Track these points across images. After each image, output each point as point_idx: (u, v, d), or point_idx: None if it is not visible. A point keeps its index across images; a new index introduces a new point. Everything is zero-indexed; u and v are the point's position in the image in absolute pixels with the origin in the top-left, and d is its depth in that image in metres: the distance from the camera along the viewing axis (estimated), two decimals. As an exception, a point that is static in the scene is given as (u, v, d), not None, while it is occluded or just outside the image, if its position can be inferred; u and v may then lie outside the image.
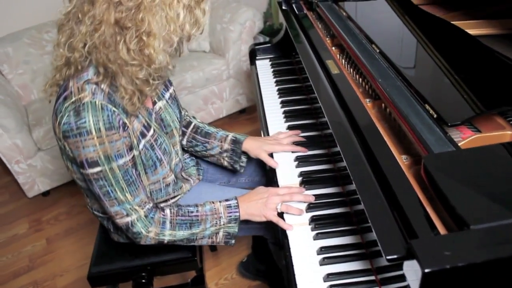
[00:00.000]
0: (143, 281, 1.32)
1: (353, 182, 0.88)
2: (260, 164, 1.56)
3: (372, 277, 0.94)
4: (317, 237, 1.05)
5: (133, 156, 1.06)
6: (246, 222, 1.21)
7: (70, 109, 0.95)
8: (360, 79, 1.27)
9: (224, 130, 1.43)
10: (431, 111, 0.93)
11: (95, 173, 1.00)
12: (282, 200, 1.14)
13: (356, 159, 0.92)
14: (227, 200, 1.18)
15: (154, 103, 1.20)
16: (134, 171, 1.05)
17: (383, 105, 1.13)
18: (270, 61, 1.92)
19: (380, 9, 1.53)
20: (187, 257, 1.36)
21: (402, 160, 0.93)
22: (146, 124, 1.11)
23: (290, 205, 1.13)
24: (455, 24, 1.30)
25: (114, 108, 0.98)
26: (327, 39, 1.54)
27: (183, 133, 1.43)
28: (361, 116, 1.05)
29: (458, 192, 0.71)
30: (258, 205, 1.14)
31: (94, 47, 0.94)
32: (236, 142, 1.38)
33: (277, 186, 1.24)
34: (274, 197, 1.14)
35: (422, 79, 1.07)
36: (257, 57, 1.95)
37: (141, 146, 1.09)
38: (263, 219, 1.15)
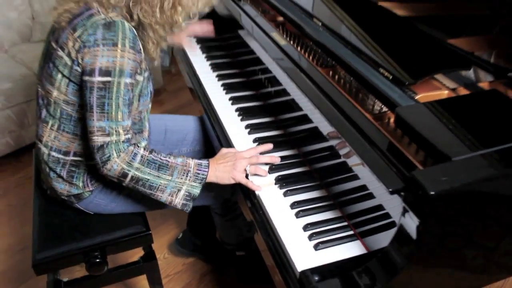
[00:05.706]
0: (97, 260, 1.27)
1: (344, 138, 0.97)
2: (200, 133, 1.60)
3: (345, 223, 1.05)
4: (286, 194, 1.13)
5: (133, 84, 1.14)
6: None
7: (99, 24, 1.05)
8: (302, 51, 1.37)
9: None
10: (386, 74, 1.07)
11: (102, 82, 1.05)
12: (250, 162, 1.19)
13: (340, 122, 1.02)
14: (199, 159, 1.18)
15: None
16: (132, 95, 1.13)
17: (330, 72, 1.25)
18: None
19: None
20: (140, 231, 1.34)
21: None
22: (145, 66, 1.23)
23: (258, 166, 1.19)
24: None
25: (137, 33, 1.11)
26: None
27: None
28: (326, 84, 1.15)
29: (433, 134, 0.84)
30: (226, 168, 1.17)
31: (138, 2, 1.09)
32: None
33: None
34: (242, 160, 1.18)
35: (368, 48, 1.20)
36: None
37: (145, 74, 1.20)
38: (231, 181, 1.18)
